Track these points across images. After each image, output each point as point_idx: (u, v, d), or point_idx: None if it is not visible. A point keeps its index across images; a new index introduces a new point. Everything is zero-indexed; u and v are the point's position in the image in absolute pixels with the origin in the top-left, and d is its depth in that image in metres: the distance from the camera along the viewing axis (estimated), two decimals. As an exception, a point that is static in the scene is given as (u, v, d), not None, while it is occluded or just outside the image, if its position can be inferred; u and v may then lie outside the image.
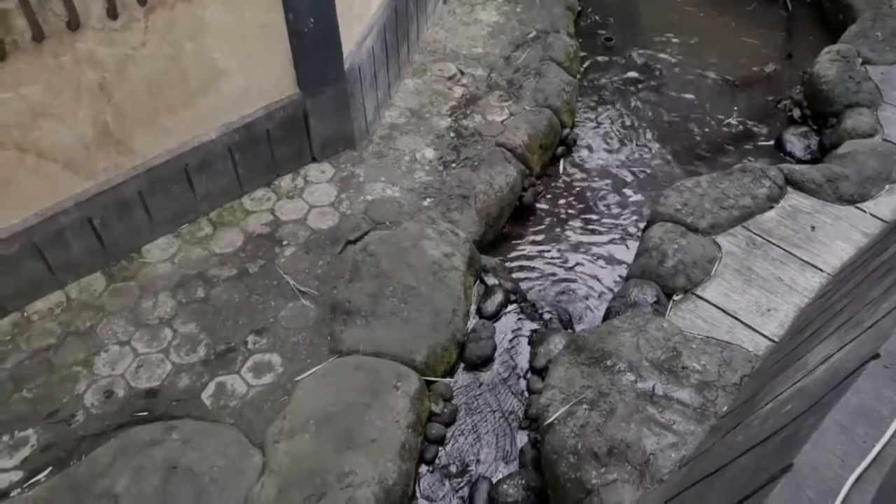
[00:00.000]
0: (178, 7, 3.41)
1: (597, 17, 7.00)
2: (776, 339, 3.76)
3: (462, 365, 3.89)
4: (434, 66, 5.77)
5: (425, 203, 4.49)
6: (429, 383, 3.60)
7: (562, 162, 5.53)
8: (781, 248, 4.35)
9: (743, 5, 7.12)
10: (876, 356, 1.65)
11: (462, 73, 5.75)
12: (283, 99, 4.13)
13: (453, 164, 4.90)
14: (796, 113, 5.83)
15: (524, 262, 4.71)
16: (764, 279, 4.15)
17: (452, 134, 5.17)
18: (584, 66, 6.39)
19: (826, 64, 5.73)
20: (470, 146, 5.05)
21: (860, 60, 5.73)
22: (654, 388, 3.36)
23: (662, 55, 6.53)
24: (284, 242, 4.10)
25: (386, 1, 4.91)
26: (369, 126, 4.91)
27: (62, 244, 3.62)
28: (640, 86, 6.23)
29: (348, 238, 4.09)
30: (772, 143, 5.71)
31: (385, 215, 4.26)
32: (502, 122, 5.28)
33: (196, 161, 3.88)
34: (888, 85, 5.51)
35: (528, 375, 3.91)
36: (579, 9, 6.76)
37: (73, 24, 3.10)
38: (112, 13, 3.19)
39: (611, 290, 4.53)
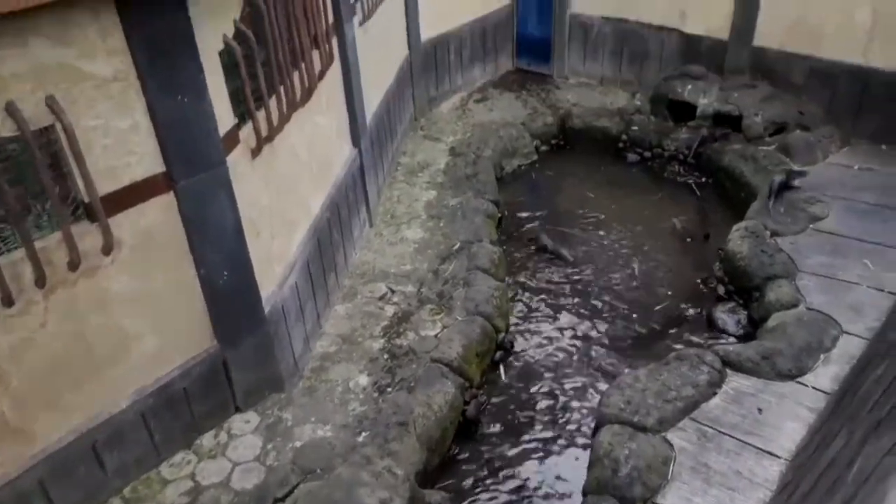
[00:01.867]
0: (81, 283, 3.37)
1: (518, 219, 7.32)
2: (748, 548, 3.49)
3: None
4: (364, 288, 5.81)
5: (360, 439, 4.26)
6: None
7: (501, 368, 5.44)
8: (733, 437, 4.22)
9: (650, 195, 7.59)
10: None
11: (392, 291, 5.80)
12: (200, 354, 4.01)
13: (389, 388, 4.75)
14: (721, 289, 5.99)
15: (476, 487, 4.42)
16: (722, 475, 3.97)
17: (386, 356, 5.08)
18: (513, 267, 6.55)
19: (738, 241, 6.00)
20: (405, 366, 4.94)
21: (768, 234, 6.03)
22: None
23: (586, 248, 6.78)
24: (206, 511, 3.76)
25: (307, 237, 5.02)
26: (298, 361, 4.79)
27: (-50, 554, 3.23)
28: (569, 280, 6.37)
29: (275, 496, 3.77)
30: (703, 322, 5.78)
31: (315, 461, 3.99)
32: (436, 335, 5.24)
33: (105, 436, 3.63)
34: (799, 254, 5.76)
35: None
36: (500, 215, 7.08)
37: (-35, 319, 3.00)
38: (7, 301, 3.11)
39: (570, 506, 4.25)
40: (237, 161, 3.96)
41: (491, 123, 8.47)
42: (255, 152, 4.20)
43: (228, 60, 3.82)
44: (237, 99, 3.96)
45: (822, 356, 4.76)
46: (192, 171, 3.61)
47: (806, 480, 3.20)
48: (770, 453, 4.07)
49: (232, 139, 3.93)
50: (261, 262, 4.25)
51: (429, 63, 8.54)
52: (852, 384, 4.12)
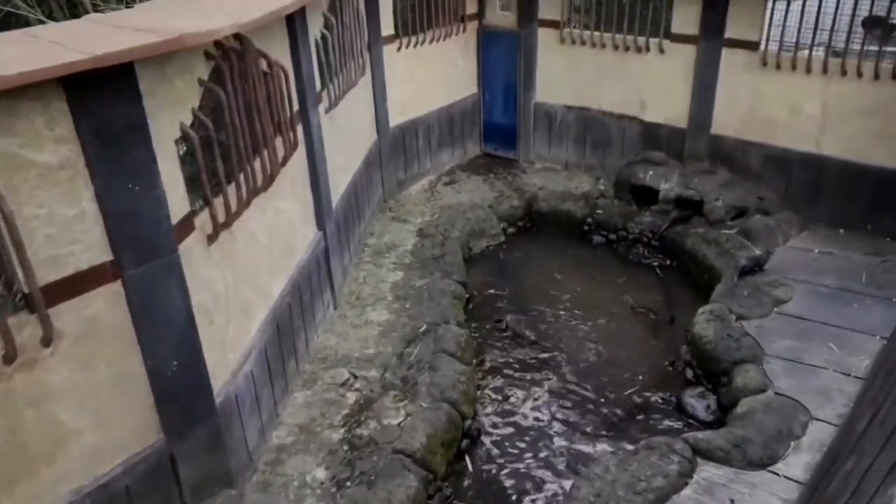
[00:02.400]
0: (18, 376, 3.19)
1: (486, 300, 7.26)
2: None
3: None
4: (325, 374, 5.64)
5: (314, 541, 4.02)
6: None
7: (467, 458, 5.24)
8: (706, 533, 4.06)
9: (616, 277, 7.61)
10: None
11: (355, 376, 5.63)
12: (144, 449, 3.78)
13: (347, 483, 4.53)
14: (689, 373, 5.93)
15: (436, 592, 4.15)
16: (696, 575, 3.78)
17: (346, 447, 4.87)
18: (480, 349, 6.44)
19: (703, 324, 5.99)
20: (365, 458, 4.73)
21: (734, 317, 6.03)
22: None
23: (554, 330, 6.71)
24: None
25: (265, 322, 4.89)
26: (252, 454, 4.57)
27: None
28: (537, 363, 6.26)
29: None
30: (672, 406, 5.68)
31: (265, 567, 3.73)
32: (399, 424, 5.05)
33: (36, 541, 3.36)
34: (765, 338, 5.75)
35: None
36: (467, 296, 7.02)
37: None
38: (-66, 398, 2.93)
39: None
40: (191, 248, 3.88)
41: (459, 205, 8.54)
42: (212, 238, 4.12)
43: (185, 148, 3.79)
44: (194, 185, 3.91)
45: (792, 443, 4.68)
46: (142, 259, 3.51)
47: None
48: (744, 550, 3.92)
49: (186, 226, 3.85)
50: (214, 351, 4.10)
51: (398, 147, 8.67)
52: (823, 478, 4.01)
